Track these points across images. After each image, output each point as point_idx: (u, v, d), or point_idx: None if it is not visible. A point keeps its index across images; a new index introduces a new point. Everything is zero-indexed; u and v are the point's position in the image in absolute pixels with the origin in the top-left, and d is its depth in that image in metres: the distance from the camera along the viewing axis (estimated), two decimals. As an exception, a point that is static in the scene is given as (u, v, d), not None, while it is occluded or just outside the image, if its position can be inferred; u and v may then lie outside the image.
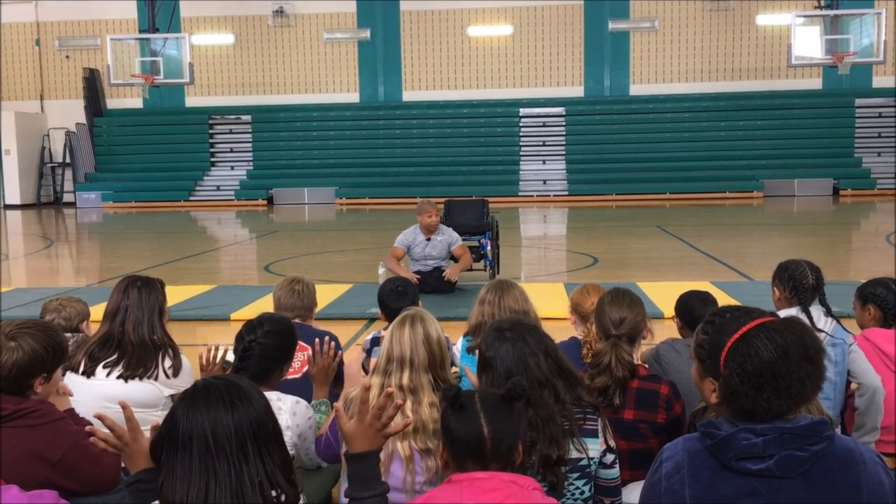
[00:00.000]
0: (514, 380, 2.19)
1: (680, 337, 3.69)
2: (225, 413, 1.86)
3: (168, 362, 3.31)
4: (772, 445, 1.74)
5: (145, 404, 3.26)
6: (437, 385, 2.71)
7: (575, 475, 2.50)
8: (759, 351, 1.76)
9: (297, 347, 3.58)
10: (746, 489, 1.75)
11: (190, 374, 3.36)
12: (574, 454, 2.48)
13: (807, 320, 3.24)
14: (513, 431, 2.09)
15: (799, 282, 3.66)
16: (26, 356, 2.60)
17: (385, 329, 3.91)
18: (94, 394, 3.18)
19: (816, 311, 3.64)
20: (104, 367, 3.24)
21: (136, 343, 3.27)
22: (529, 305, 3.64)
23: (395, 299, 3.92)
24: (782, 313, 2.90)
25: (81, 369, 3.25)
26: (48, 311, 3.93)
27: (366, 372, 3.90)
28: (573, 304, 3.81)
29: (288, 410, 2.85)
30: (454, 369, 3.77)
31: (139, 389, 3.25)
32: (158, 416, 3.30)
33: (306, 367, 3.60)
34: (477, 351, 2.68)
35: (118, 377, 3.23)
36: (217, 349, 3.22)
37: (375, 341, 3.92)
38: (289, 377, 3.31)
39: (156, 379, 3.27)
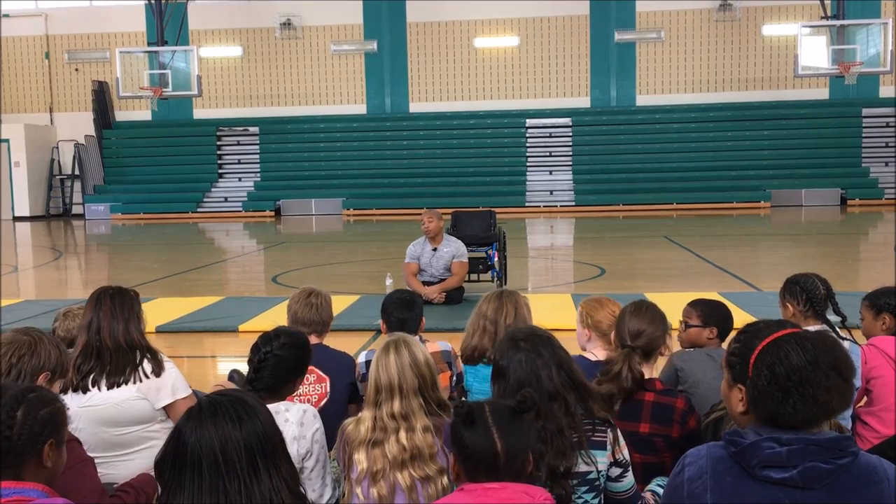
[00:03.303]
0: (525, 391, 2.19)
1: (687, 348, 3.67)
2: (233, 429, 1.85)
3: (147, 365, 3.28)
4: (796, 456, 1.75)
5: (139, 420, 3.27)
6: (428, 408, 2.68)
7: (584, 489, 2.50)
8: (790, 355, 1.79)
9: (316, 378, 3.56)
10: (769, 498, 1.76)
11: (176, 380, 3.34)
12: (583, 467, 2.48)
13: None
14: (524, 444, 2.10)
15: (812, 293, 3.64)
16: (35, 350, 2.73)
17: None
18: (89, 419, 3.17)
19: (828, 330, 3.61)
20: (92, 382, 3.22)
21: (112, 348, 3.25)
22: (524, 312, 3.57)
23: (399, 309, 3.83)
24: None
25: (73, 385, 3.24)
26: (58, 320, 3.94)
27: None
28: (593, 321, 3.62)
29: (296, 421, 2.82)
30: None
31: (129, 409, 3.23)
32: (154, 431, 3.32)
33: (325, 400, 3.57)
34: (487, 360, 2.67)
35: (108, 388, 3.22)
36: None
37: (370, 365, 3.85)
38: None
39: (138, 382, 3.25)
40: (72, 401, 3.14)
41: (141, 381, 3.25)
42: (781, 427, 1.80)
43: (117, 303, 3.31)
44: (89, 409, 3.17)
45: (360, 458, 2.64)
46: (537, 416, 2.38)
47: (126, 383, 3.24)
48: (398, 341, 2.75)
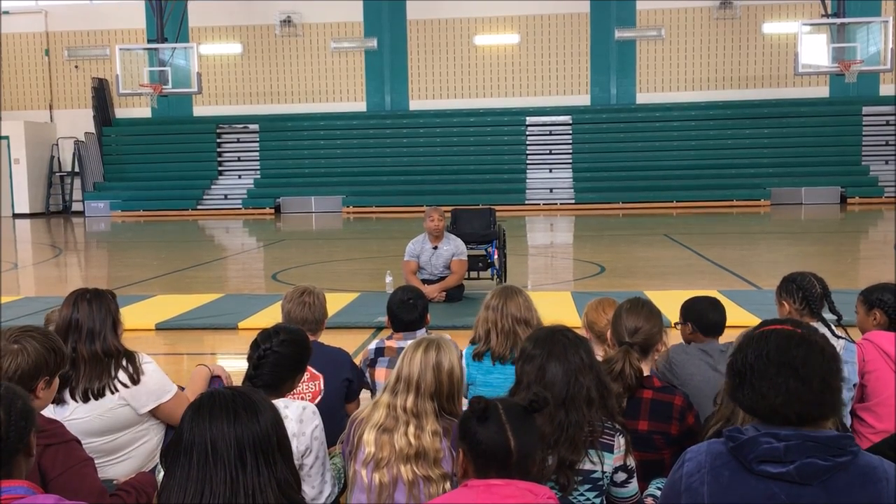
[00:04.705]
0: (537, 391, 2.21)
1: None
2: (227, 424, 1.88)
3: (122, 373, 3.19)
4: (793, 451, 1.76)
5: (126, 426, 3.23)
6: (441, 415, 2.68)
7: (587, 486, 2.52)
8: (750, 346, 1.86)
9: (309, 377, 3.54)
10: (765, 493, 1.77)
11: (159, 383, 3.27)
12: (588, 465, 2.50)
13: (829, 334, 3.23)
14: (535, 443, 2.12)
15: (809, 291, 3.67)
16: (30, 357, 2.61)
17: (388, 339, 3.92)
18: (76, 431, 3.04)
19: (824, 328, 3.61)
20: (70, 394, 3.15)
21: (87, 358, 3.15)
22: (532, 313, 3.60)
23: (404, 311, 3.87)
24: None
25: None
26: (50, 321, 3.91)
27: (369, 383, 3.86)
28: (588, 321, 3.70)
29: (295, 417, 2.82)
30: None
31: (114, 417, 3.19)
32: (143, 431, 3.30)
33: (319, 398, 3.56)
34: (519, 351, 2.69)
35: (83, 400, 3.14)
36: None
37: (380, 351, 3.86)
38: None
39: (114, 391, 3.17)
40: (54, 415, 3.04)
41: (118, 389, 3.18)
42: (771, 418, 1.82)
43: (95, 307, 3.22)
44: (74, 423, 3.08)
45: (370, 440, 2.65)
46: (563, 406, 2.44)
47: (103, 393, 3.16)
48: (432, 341, 2.76)
